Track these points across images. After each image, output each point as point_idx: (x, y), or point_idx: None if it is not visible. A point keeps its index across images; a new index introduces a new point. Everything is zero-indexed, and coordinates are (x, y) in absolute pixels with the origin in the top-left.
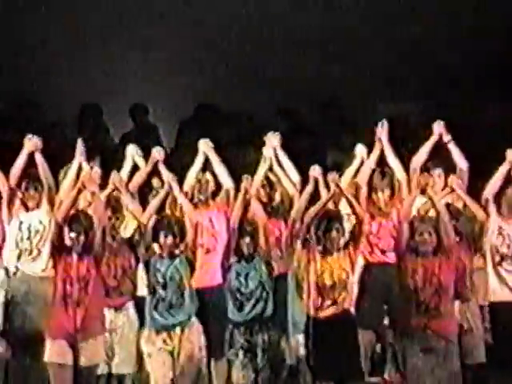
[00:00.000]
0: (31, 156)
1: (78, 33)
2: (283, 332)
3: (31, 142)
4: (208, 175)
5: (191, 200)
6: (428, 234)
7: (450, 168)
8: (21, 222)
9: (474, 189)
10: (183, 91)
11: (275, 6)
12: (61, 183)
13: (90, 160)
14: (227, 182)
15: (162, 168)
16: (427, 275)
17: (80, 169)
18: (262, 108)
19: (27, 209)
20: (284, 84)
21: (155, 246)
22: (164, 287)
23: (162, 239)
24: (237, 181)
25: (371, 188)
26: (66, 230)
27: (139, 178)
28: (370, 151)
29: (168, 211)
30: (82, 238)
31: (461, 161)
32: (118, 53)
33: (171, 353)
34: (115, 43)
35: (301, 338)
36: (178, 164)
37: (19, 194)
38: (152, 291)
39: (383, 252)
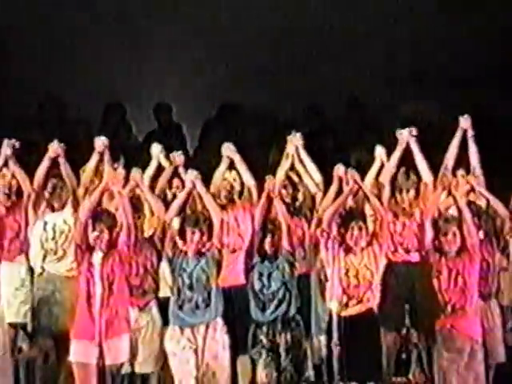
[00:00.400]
0: (55, 158)
1: (101, 32)
2: (306, 332)
3: (53, 148)
4: (234, 173)
5: (217, 200)
6: (452, 235)
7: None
8: (45, 223)
9: None
10: (207, 91)
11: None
12: (81, 176)
13: (114, 160)
14: (248, 179)
15: (182, 172)
16: (452, 275)
17: (101, 159)
18: (286, 108)
19: (53, 209)
20: (306, 83)
21: (180, 243)
22: (190, 288)
23: (189, 236)
24: (260, 180)
25: (394, 188)
26: (89, 229)
27: (163, 181)
28: (389, 151)
29: (188, 211)
30: (105, 236)
31: (474, 158)
32: (142, 52)
33: (195, 351)
34: (139, 42)
35: (323, 338)
36: (202, 163)
37: (46, 195)
38: (177, 291)
39: (407, 251)
